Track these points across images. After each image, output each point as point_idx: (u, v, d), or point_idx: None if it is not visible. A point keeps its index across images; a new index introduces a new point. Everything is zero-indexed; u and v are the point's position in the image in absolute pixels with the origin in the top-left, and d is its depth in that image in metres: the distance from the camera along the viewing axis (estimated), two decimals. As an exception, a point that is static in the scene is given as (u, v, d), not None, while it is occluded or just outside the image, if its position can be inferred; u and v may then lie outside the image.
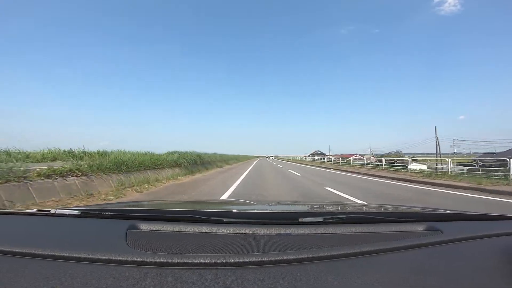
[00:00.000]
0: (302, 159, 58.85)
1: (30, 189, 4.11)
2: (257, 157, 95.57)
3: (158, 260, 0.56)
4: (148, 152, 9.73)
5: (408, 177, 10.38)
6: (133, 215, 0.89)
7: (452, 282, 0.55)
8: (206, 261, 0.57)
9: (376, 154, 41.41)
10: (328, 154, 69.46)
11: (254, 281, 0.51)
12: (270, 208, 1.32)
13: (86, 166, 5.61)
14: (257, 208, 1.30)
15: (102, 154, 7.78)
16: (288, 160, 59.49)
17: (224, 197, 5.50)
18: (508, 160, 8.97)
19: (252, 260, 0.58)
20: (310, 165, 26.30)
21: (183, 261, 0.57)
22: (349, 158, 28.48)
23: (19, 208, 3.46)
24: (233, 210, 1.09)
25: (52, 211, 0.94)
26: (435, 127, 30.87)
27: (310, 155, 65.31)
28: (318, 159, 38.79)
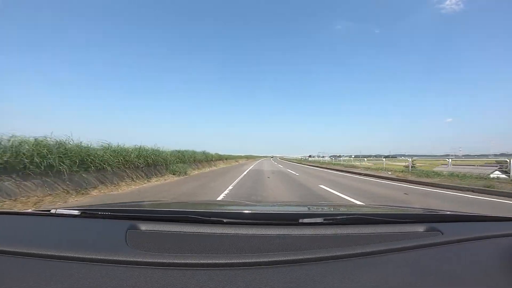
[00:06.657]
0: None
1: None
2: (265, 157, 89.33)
3: (158, 261, 0.56)
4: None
5: None
6: (133, 215, 0.89)
7: (453, 283, 0.55)
8: (206, 261, 0.57)
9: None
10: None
11: (254, 282, 0.51)
12: (270, 209, 1.33)
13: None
14: (257, 209, 1.30)
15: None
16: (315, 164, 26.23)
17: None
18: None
19: (252, 260, 0.58)
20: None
21: (183, 261, 0.57)
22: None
23: (19, 209, 3.64)
24: (233, 211, 1.10)
25: (52, 211, 0.93)
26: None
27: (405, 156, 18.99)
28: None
